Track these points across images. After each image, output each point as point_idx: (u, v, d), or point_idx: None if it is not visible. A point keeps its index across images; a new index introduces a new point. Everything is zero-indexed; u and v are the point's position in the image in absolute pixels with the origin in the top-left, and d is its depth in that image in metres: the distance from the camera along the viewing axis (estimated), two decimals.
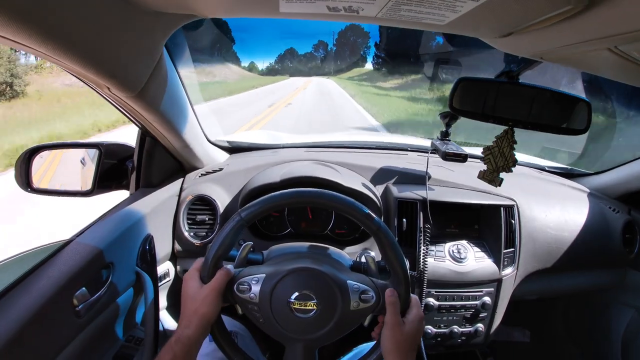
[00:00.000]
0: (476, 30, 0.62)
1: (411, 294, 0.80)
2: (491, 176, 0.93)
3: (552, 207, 1.34)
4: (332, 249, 0.96)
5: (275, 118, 10.96)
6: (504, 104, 0.89)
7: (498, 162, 0.92)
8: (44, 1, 0.44)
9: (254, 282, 0.74)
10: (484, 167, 1.46)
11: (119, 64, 0.65)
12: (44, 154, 1.06)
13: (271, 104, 14.67)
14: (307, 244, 0.98)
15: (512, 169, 0.93)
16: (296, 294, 0.73)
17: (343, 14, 0.53)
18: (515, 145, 0.92)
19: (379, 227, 0.76)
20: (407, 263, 0.80)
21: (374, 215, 0.77)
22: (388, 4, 0.49)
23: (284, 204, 0.76)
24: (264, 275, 0.75)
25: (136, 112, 0.86)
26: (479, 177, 0.95)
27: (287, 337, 0.75)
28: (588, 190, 1.47)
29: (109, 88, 0.69)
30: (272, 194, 0.75)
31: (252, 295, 0.73)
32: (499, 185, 0.95)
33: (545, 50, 0.65)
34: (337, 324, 0.75)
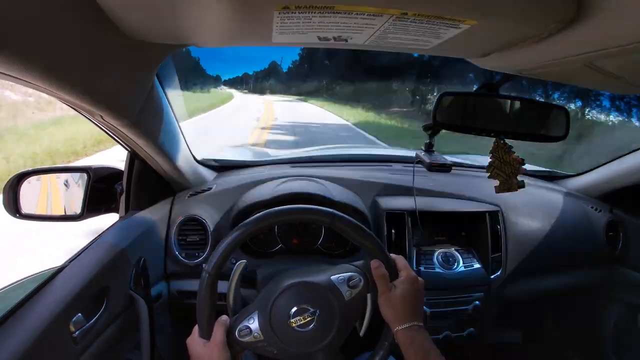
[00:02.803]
0: (458, 52, 0.65)
1: (395, 257, 0.84)
2: (506, 186, 0.93)
3: (536, 210, 1.38)
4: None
5: None
6: (485, 116, 0.92)
7: (506, 171, 0.93)
8: (42, 38, 0.45)
9: (251, 322, 0.76)
10: (468, 174, 1.52)
11: (113, 94, 0.66)
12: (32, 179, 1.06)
13: None
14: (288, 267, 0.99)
15: (523, 167, 0.93)
16: (293, 311, 0.75)
17: (333, 42, 0.56)
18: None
19: (332, 216, 0.79)
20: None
21: (324, 208, 0.80)
22: (375, 33, 0.52)
23: (241, 238, 0.78)
24: (257, 311, 0.77)
25: (128, 138, 0.86)
26: (497, 192, 0.94)
27: (306, 354, 0.77)
28: (570, 192, 1.52)
29: (101, 116, 0.70)
30: (225, 238, 0.77)
31: (255, 334, 0.75)
32: (522, 186, 0.94)
33: (524, 67, 0.68)
34: (342, 319, 0.77)
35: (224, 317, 0.78)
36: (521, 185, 0.94)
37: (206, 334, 0.76)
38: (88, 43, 0.53)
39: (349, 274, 0.80)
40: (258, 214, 0.79)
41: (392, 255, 0.84)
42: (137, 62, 0.67)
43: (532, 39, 0.53)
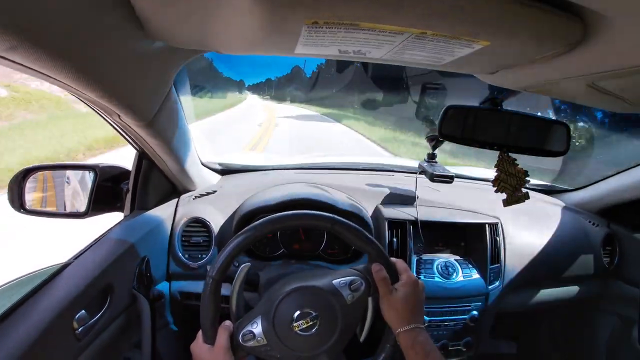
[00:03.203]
0: (468, 69, 0.68)
1: (395, 260, 0.85)
2: (513, 198, 0.95)
3: (535, 223, 1.40)
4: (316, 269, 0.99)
5: None
6: (489, 129, 0.93)
7: (512, 183, 0.94)
8: (76, 37, 0.47)
9: (254, 327, 0.77)
10: (470, 185, 1.54)
11: (135, 95, 0.68)
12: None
13: None
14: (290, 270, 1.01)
15: (528, 178, 0.94)
16: (296, 315, 0.77)
17: (352, 55, 0.58)
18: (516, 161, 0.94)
19: (333, 221, 0.80)
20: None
21: (325, 213, 0.82)
22: (394, 49, 0.54)
23: (244, 244, 0.79)
24: (260, 316, 0.78)
25: (141, 138, 0.88)
26: (505, 206, 0.95)
27: (309, 357, 0.78)
28: (568, 206, 1.54)
29: (119, 116, 0.71)
30: (228, 244, 0.79)
31: (259, 338, 0.76)
32: (528, 197, 0.95)
33: (529, 85, 0.71)
34: (344, 322, 0.78)
35: (228, 322, 0.80)
36: (527, 196, 0.95)
37: (210, 339, 0.77)
38: (117, 44, 0.55)
39: (351, 277, 0.81)
40: (260, 220, 0.80)
41: (393, 259, 0.85)
42: (161, 65, 0.69)
43: (538, 59, 0.55)
